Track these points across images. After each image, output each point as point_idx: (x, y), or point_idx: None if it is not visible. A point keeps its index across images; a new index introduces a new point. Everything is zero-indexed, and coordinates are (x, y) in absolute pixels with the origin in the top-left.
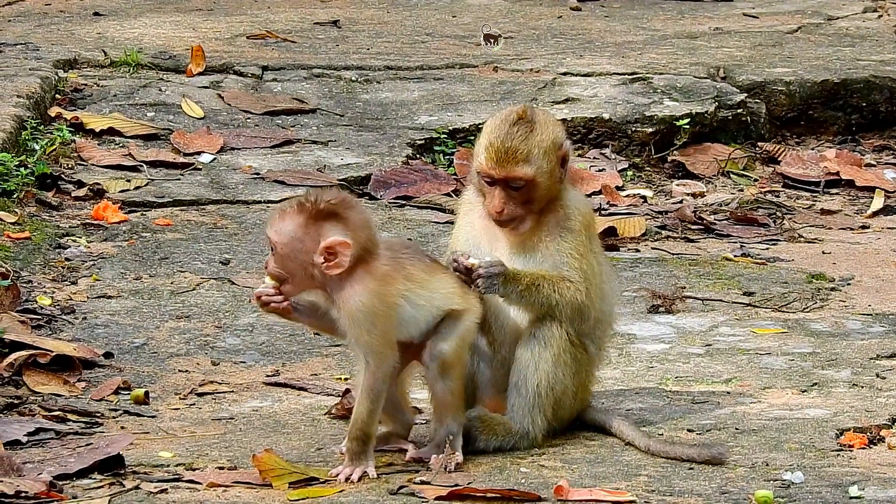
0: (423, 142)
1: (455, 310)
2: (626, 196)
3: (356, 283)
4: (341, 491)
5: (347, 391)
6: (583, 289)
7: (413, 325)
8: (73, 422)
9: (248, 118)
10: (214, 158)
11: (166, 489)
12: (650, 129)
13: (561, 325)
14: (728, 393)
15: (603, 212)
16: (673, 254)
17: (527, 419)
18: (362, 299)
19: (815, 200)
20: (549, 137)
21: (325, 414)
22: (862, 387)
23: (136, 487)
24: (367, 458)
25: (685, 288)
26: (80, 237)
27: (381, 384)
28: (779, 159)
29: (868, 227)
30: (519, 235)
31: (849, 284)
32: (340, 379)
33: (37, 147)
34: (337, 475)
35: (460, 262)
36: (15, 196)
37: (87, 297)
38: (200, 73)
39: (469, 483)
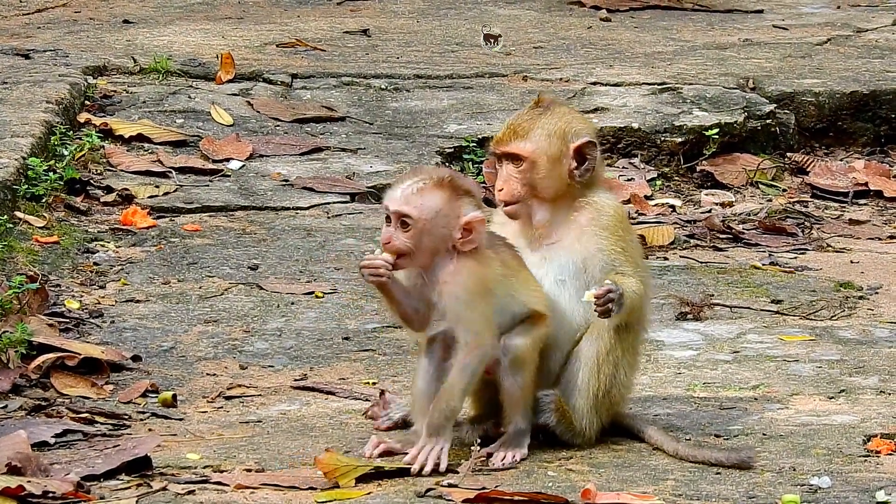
0: (452, 150)
1: (537, 312)
2: (655, 205)
3: (459, 261)
4: (369, 493)
5: (383, 393)
6: (639, 279)
7: (501, 314)
8: (101, 424)
9: (278, 125)
10: (243, 165)
11: (194, 490)
12: (679, 139)
13: (618, 326)
14: (756, 399)
15: (631, 220)
16: (701, 262)
17: (585, 420)
18: (465, 278)
19: (844, 211)
20: (561, 124)
21: (362, 414)
22: (889, 394)
23: (164, 488)
24: (445, 435)
25: (713, 295)
26: (108, 242)
27: (478, 364)
28: (807, 170)
29: None
30: (549, 240)
31: (877, 293)
32: (368, 383)
33: (66, 152)
34: (416, 456)
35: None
36: (44, 201)
37: (116, 301)
38: (230, 81)
39: (497, 486)
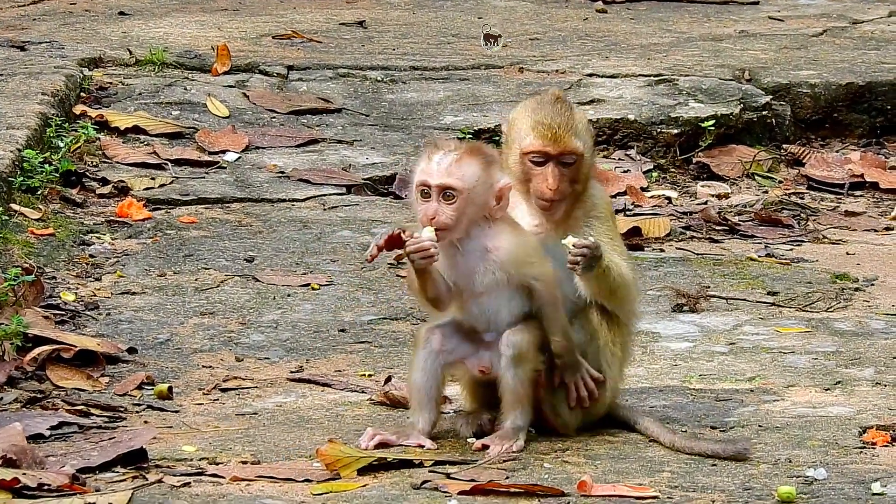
0: None
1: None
2: (651, 197)
3: (496, 227)
4: (365, 485)
5: (389, 379)
6: (626, 264)
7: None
8: (97, 416)
9: (274, 117)
10: (239, 157)
11: (189, 483)
12: (675, 131)
13: (602, 314)
14: (751, 391)
15: (628, 212)
16: (697, 254)
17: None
18: (511, 238)
19: (840, 202)
20: (585, 117)
21: (366, 399)
22: (885, 385)
23: (159, 481)
24: (579, 362)
25: (709, 287)
26: (104, 234)
27: (560, 296)
28: (803, 161)
29: (892, 229)
30: (552, 228)
31: (872, 285)
32: (364, 375)
33: (61, 144)
34: (571, 391)
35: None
36: (39, 193)
37: (111, 294)
38: (226, 73)
39: (492, 478)
